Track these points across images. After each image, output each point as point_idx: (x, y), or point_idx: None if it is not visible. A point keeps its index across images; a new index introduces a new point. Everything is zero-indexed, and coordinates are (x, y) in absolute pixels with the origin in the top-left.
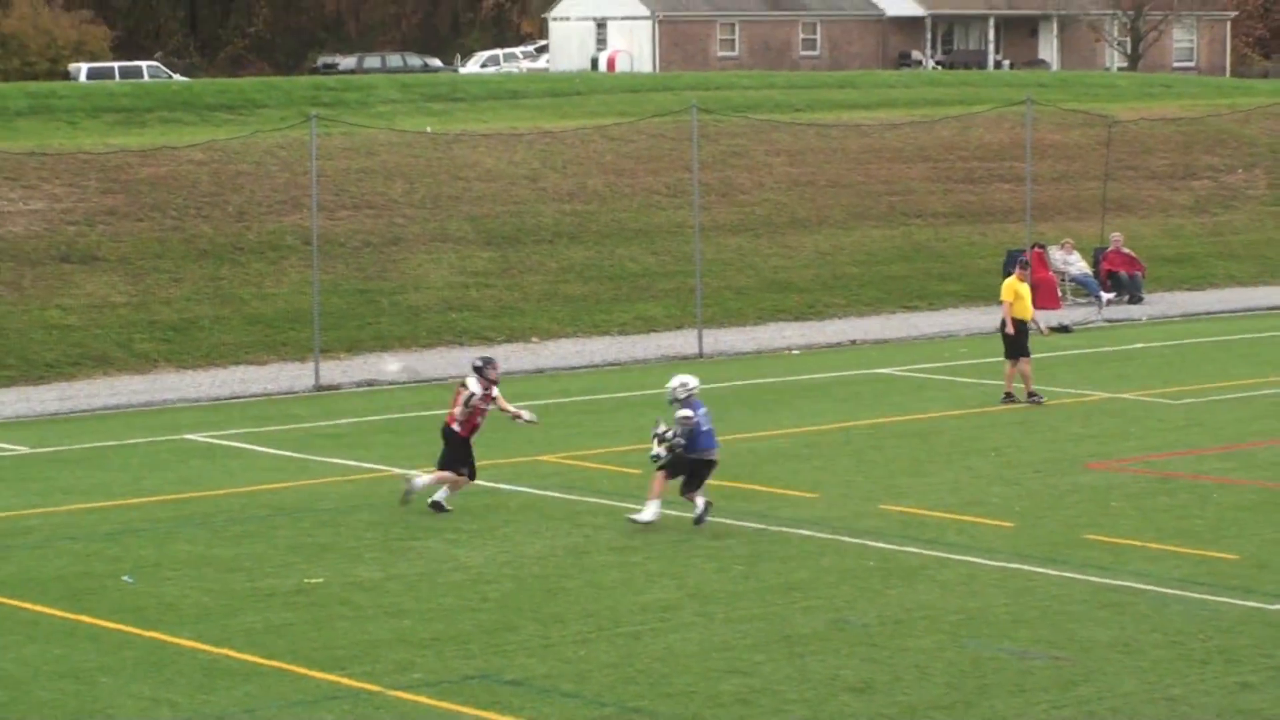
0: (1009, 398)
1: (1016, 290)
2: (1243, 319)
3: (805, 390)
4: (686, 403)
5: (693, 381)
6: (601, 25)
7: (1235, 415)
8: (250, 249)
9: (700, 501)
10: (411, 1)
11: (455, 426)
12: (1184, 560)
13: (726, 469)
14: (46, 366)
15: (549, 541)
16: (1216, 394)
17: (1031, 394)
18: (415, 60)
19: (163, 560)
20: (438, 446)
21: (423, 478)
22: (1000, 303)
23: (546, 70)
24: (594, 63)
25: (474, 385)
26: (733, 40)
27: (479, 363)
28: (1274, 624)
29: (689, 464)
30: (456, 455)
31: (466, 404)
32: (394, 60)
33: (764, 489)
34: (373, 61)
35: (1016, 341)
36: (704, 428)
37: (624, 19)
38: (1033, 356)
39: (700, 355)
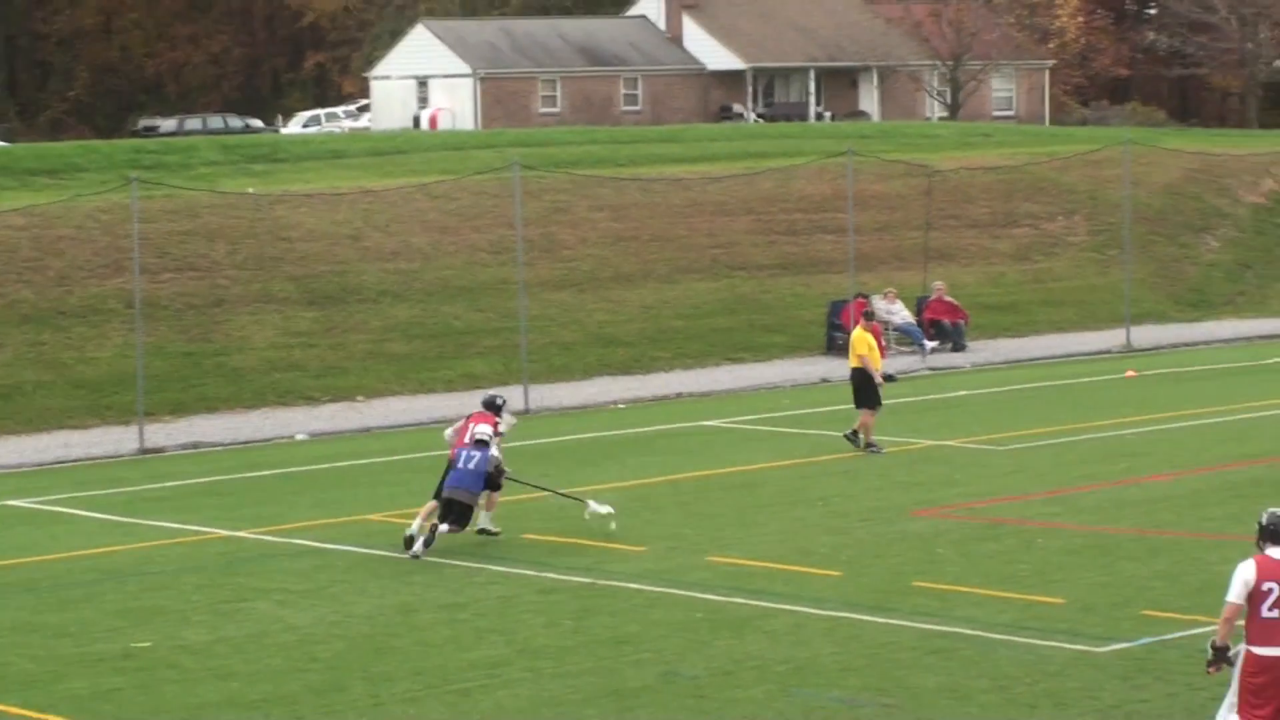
0: (871, 446)
1: (868, 342)
2: (1065, 364)
3: (631, 444)
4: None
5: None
6: (423, 83)
7: (1059, 460)
8: (72, 313)
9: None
10: (232, 63)
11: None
12: (1010, 605)
13: (555, 523)
14: None
15: (377, 600)
16: (1040, 439)
17: (870, 444)
18: (236, 121)
19: None
20: (264, 508)
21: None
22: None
23: (368, 129)
24: (416, 121)
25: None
26: (554, 96)
27: (501, 400)
28: (1100, 667)
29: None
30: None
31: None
32: (215, 122)
33: (592, 543)
34: (193, 123)
35: (875, 390)
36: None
37: (445, 77)
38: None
39: (526, 411)
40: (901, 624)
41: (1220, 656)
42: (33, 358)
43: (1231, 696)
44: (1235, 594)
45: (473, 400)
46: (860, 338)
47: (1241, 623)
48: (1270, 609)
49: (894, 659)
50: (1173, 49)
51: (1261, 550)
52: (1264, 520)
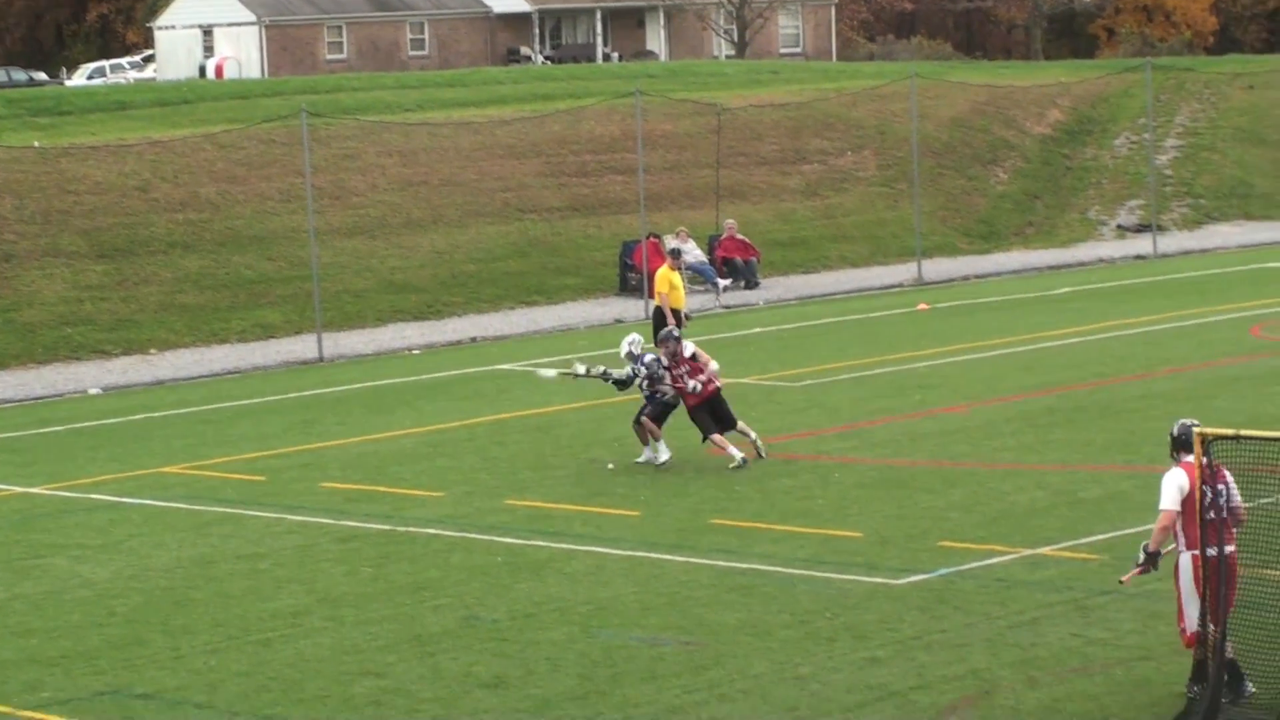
0: None
1: (671, 280)
2: (856, 299)
3: (427, 390)
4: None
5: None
6: (208, 32)
7: (852, 395)
8: None
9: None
10: (13, 15)
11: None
12: (808, 540)
13: (353, 471)
14: None
15: (175, 553)
16: (834, 374)
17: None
18: (20, 75)
19: None
20: (58, 464)
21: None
22: (659, 294)
23: (154, 80)
24: (201, 70)
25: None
26: (341, 43)
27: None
28: (898, 599)
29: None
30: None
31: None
32: None
33: (389, 490)
34: None
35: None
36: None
37: (230, 25)
38: None
39: (320, 359)
40: (701, 562)
41: (1151, 561)
42: None
43: (1186, 602)
44: (1172, 501)
45: (266, 350)
46: (662, 276)
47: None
48: (1208, 511)
49: (694, 597)
50: None
51: (1178, 461)
52: (1175, 431)
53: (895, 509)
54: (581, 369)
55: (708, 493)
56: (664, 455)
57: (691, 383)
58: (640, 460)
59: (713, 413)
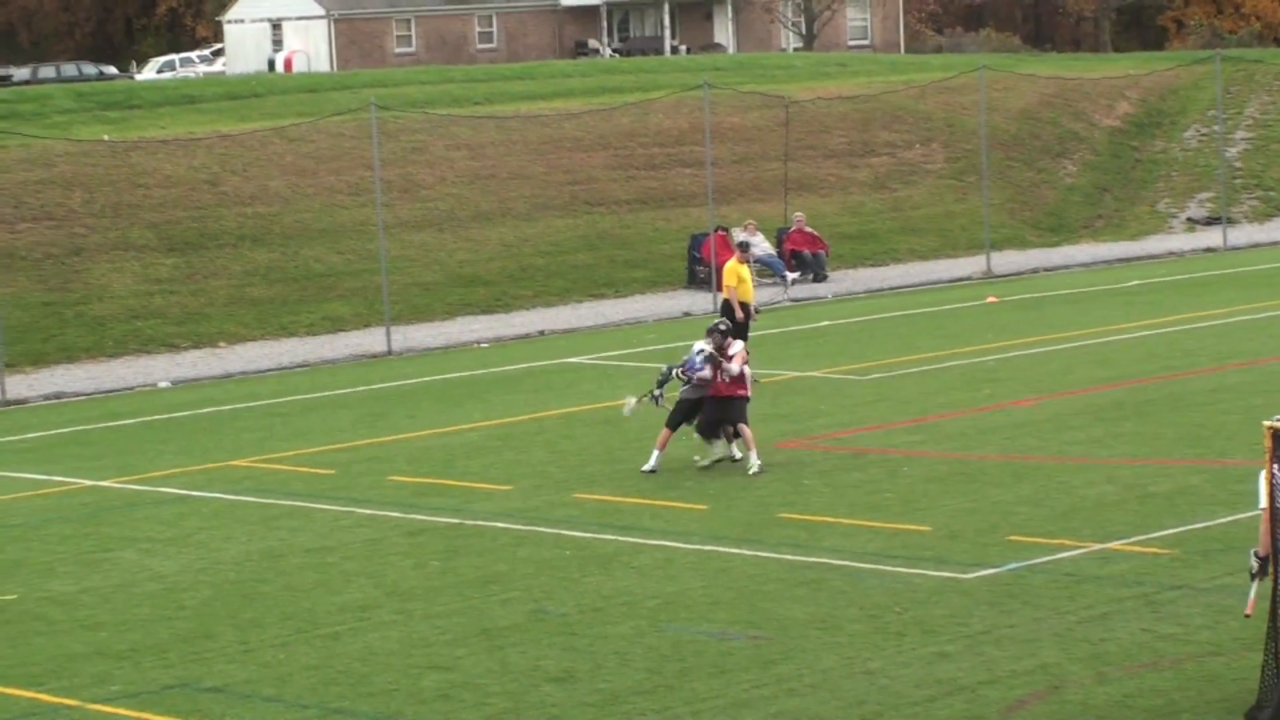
0: None
1: (739, 274)
2: (925, 292)
3: (496, 383)
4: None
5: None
6: (277, 26)
7: (921, 388)
8: None
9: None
10: (84, 9)
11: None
12: (877, 534)
13: (421, 465)
14: None
15: (244, 546)
16: (902, 368)
17: None
18: (90, 69)
19: None
20: (127, 457)
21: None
22: (728, 288)
23: (223, 74)
24: (270, 64)
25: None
26: (409, 36)
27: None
28: (967, 593)
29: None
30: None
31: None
32: (69, 69)
33: (458, 483)
34: (47, 71)
35: (743, 326)
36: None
37: (299, 19)
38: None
39: (389, 353)
40: (769, 556)
41: (1263, 569)
42: None
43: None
44: (1265, 498)
45: (335, 343)
46: (730, 269)
47: None
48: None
49: (762, 591)
50: None
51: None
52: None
53: (964, 503)
54: (655, 392)
55: (775, 487)
56: (652, 463)
57: (734, 365)
58: (708, 462)
59: (714, 411)
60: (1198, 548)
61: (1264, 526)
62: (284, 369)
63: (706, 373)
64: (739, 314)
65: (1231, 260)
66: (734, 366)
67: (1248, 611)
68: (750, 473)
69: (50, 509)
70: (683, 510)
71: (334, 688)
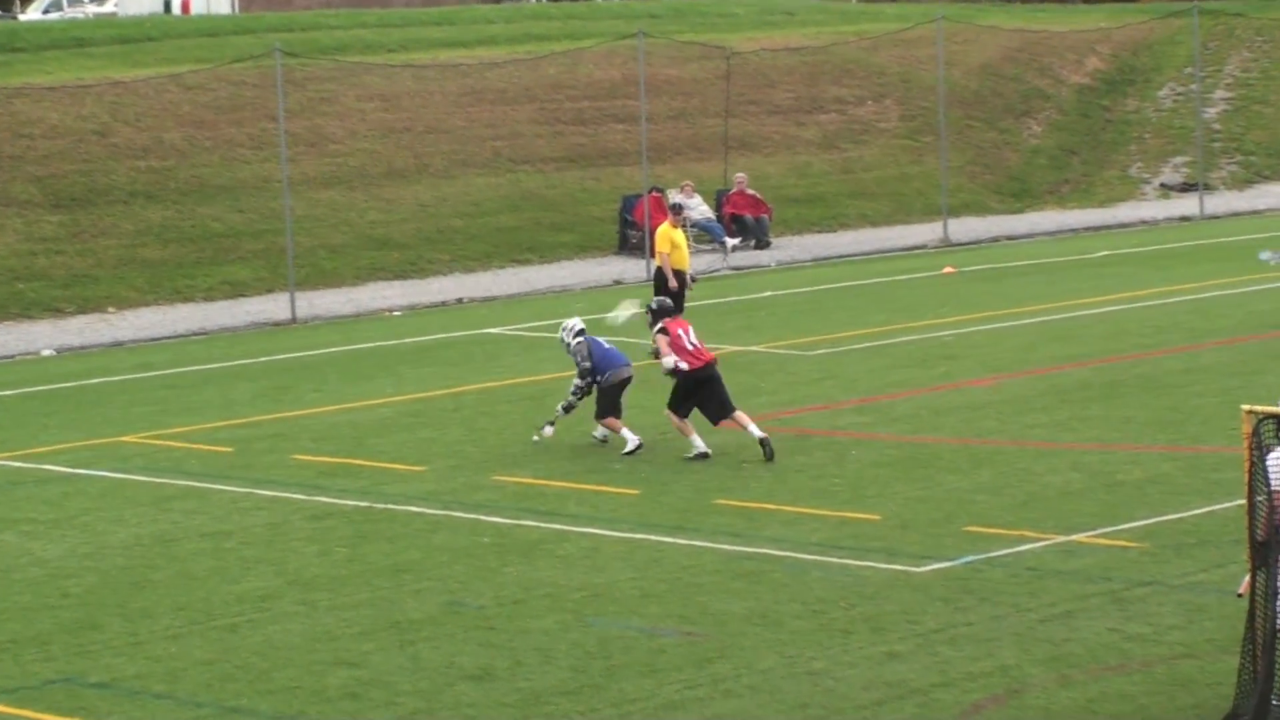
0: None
1: (672, 239)
2: (877, 261)
3: (409, 354)
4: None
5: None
6: None
7: (871, 365)
8: None
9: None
10: None
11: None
12: (822, 523)
13: (327, 442)
14: None
15: (134, 529)
16: (851, 343)
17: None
18: None
19: None
20: (7, 431)
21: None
22: (660, 254)
23: (115, 15)
24: (166, 5)
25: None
26: None
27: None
28: (920, 588)
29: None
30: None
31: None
32: None
33: (367, 463)
34: None
35: (677, 295)
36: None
37: None
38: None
39: (294, 321)
40: (705, 545)
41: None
42: None
43: None
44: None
45: (235, 310)
46: (663, 234)
47: None
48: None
49: (698, 584)
50: None
51: None
52: None
53: (917, 490)
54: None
55: (712, 471)
56: (632, 442)
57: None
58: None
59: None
60: (1169, 541)
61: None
62: (179, 337)
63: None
64: (672, 283)
65: (1208, 230)
66: (667, 360)
67: (1240, 591)
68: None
69: None
70: (612, 495)
71: (231, 684)
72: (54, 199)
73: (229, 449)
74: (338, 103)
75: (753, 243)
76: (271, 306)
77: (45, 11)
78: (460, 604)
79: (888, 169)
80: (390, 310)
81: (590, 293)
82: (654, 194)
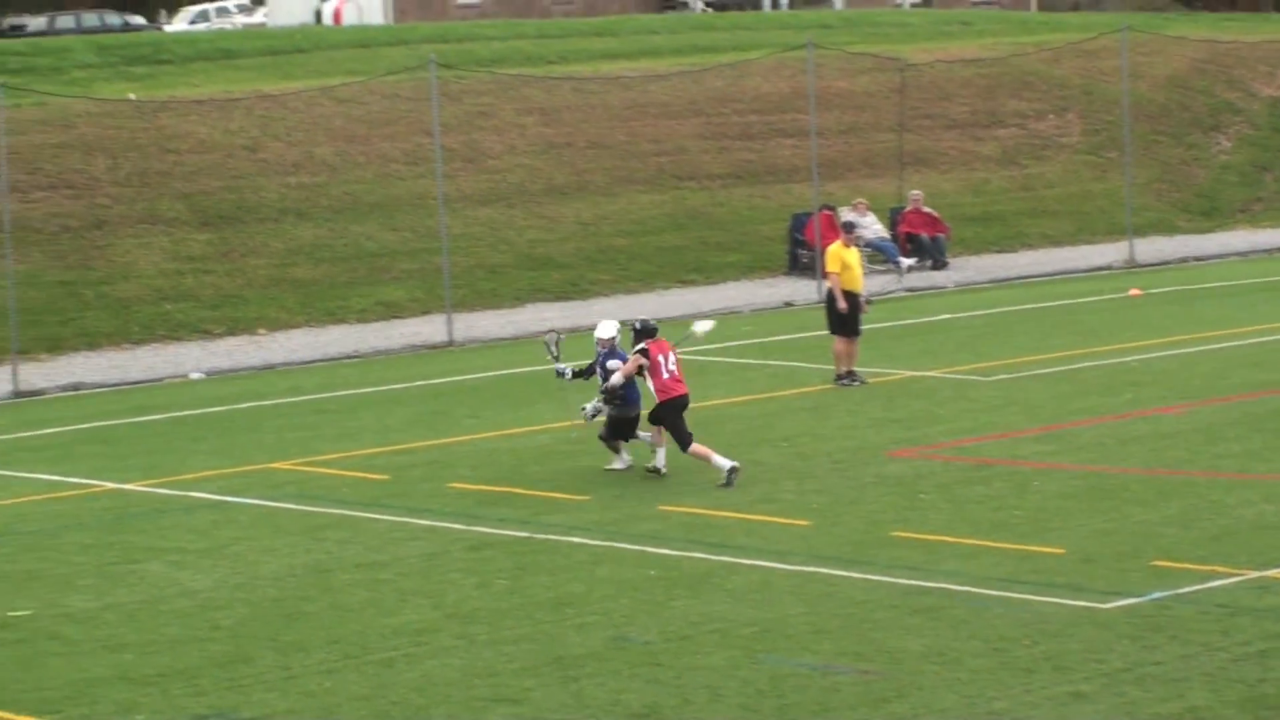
0: (850, 377)
1: (843, 259)
2: (1059, 283)
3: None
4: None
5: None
6: None
7: (1054, 391)
8: None
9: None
10: None
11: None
12: (1003, 557)
13: (486, 470)
14: None
15: (286, 560)
16: (1033, 368)
17: (851, 374)
18: (114, 18)
19: None
20: (155, 457)
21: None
22: (830, 275)
23: (264, 25)
24: (317, 15)
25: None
26: None
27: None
28: (1106, 625)
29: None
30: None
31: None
32: (90, 19)
33: (528, 492)
34: (66, 21)
35: (847, 317)
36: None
37: None
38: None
39: (450, 343)
40: (880, 579)
41: None
42: None
43: None
44: None
45: (390, 332)
46: (833, 254)
47: None
48: None
49: (872, 619)
50: None
51: None
52: None
53: (1102, 523)
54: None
55: (888, 500)
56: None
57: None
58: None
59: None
60: None
61: None
62: (331, 360)
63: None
64: (841, 304)
65: None
66: (616, 378)
67: None
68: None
69: (68, 514)
70: (783, 526)
71: None
72: (202, 216)
73: (384, 476)
74: (495, 116)
75: (929, 263)
76: (427, 328)
77: (192, 22)
78: (625, 639)
79: (1070, 186)
80: (553, 333)
81: (759, 315)
82: (825, 212)
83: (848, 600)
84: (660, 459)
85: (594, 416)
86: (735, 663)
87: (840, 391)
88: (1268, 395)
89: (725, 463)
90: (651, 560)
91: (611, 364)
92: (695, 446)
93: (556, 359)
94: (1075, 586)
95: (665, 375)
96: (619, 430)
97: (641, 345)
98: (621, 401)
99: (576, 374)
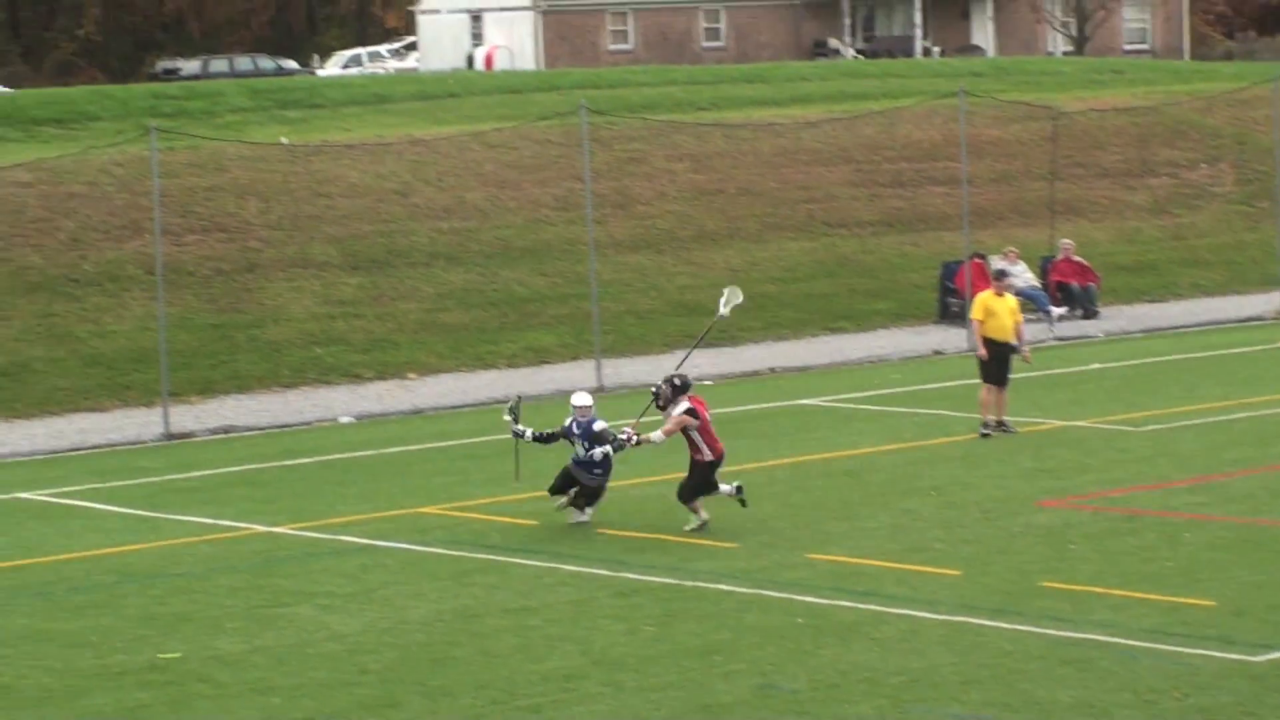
0: (999, 427)
1: (988, 307)
2: (1210, 333)
3: (719, 425)
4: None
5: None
6: (477, 18)
7: (1206, 442)
8: (87, 281)
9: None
10: None
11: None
12: (1153, 608)
13: (633, 517)
14: None
15: (434, 604)
16: (1184, 419)
17: (1001, 423)
18: (267, 63)
19: None
20: (304, 500)
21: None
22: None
23: (416, 71)
24: (469, 60)
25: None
26: (625, 31)
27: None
28: (1258, 678)
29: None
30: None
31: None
32: (243, 63)
33: (676, 539)
34: (219, 65)
35: (990, 365)
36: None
37: (501, 10)
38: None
39: (600, 388)
40: (1029, 630)
41: None
42: (43, 331)
43: None
44: None
45: (539, 377)
46: (980, 302)
47: None
48: None
49: (1021, 670)
50: None
51: None
52: None
53: (1254, 575)
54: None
55: (1037, 550)
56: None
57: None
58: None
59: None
60: None
61: None
62: (480, 405)
63: (599, 424)
64: (981, 352)
65: None
66: (658, 434)
67: None
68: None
69: (218, 557)
70: (931, 575)
71: None
72: (352, 260)
73: (532, 522)
74: (646, 162)
75: (1079, 312)
76: (576, 374)
77: (345, 67)
78: (773, 687)
79: (1222, 236)
80: (700, 380)
81: (908, 363)
82: (976, 260)
83: (996, 650)
84: (703, 512)
85: (514, 422)
86: (883, 712)
87: (989, 441)
88: None
89: (705, 516)
90: (799, 608)
91: (598, 426)
92: (699, 504)
93: (515, 421)
94: (1226, 639)
95: (713, 430)
96: (584, 492)
97: (688, 405)
98: (603, 473)
99: (538, 438)
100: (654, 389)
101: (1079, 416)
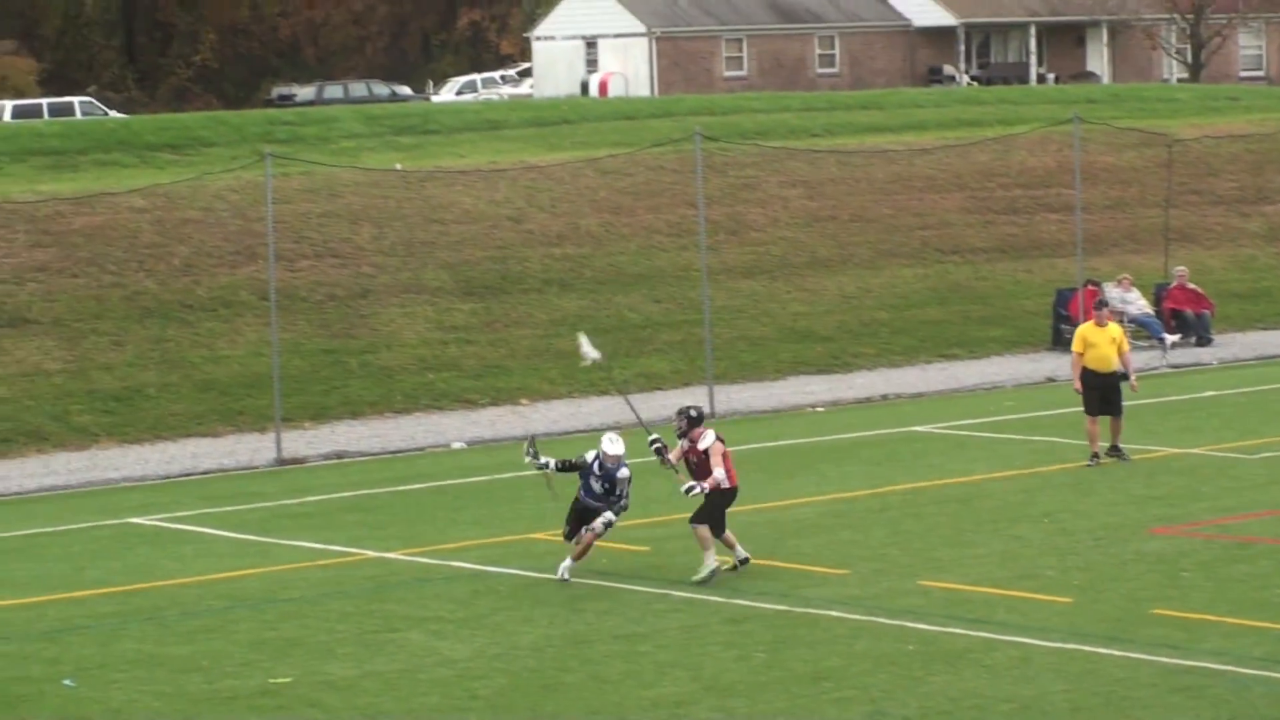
0: (1114, 452)
1: (1085, 338)
2: None
3: (832, 452)
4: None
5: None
6: (591, 44)
7: None
8: (200, 306)
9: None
10: (376, 22)
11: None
12: (1266, 636)
13: (745, 543)
14: None
15: (545, 630)
16: None
17: (1116, 449)
18: (382, 89)
19: (108, 661)
20: (416, 526)
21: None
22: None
23: (530, 97)
24: (584, 87)
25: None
26: (740, 58)
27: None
28: None
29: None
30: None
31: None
32: (358, 89)
33: (787, 565)
34: (334, 91)
35: (1090, 398)
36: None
37: (616, 36)
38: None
39: (712, 415)
40: (1141, 658)
41: None
42: (156, 357)
43: None
44: None
45: (651, 403)
46: (1079, 334)
47: None
48: None
49: (1133, 697)
50: None
51: None
52: None
53: None
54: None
55: (1149, 579)
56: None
57: (718, 471)
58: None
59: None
60: None
61: None
62: (593, 430)
63: (625, 472)
64: (1076, 385)
65: None
66: (719, 473)
67: None
68: (696, 579)
69: (330, 582)
70: (1043, 603)
71: None
72: (466, 286)
73: (644, 548)
74: (759, 189)
75: (1193, 340)
76: (688, 400)
77: (459, 93)
78: (883, 714)
79: None
80: (812, 406)
81: (1021, 390)
82: (1090, 288)
83: (1108, 678)
84: (740, 550)
85: (536, 458)
86: None
87: (1101, 468)
88: None
89: (714, 561)
90: (910, 635)
91: (623, 473)
92: (703, 530)
93: (536, 457)
94: None
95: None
96: (583, 519)
97: (716, 434)
98: (619, 498)
99: (561, 467)
100: (654, 444)
101: (1192, 444)
